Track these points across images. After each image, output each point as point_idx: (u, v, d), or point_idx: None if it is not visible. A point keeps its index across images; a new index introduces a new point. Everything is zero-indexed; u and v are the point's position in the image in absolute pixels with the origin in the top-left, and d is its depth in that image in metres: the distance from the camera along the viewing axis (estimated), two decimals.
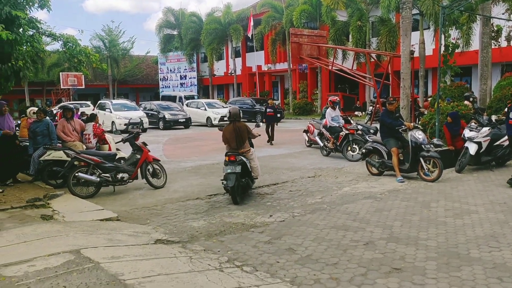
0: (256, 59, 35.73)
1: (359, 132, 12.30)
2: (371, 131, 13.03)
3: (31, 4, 9.05)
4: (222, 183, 7.52)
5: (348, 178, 9.21)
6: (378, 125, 9.97)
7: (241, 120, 7.94)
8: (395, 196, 7.43)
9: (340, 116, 12.74)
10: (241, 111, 8.07)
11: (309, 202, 7.23)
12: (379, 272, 4.28)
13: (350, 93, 32.09)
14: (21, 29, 8.49)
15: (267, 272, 4.35)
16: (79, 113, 13.76)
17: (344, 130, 11.86)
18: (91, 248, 4.77)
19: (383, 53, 23.39)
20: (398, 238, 5.25)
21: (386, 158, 9.07)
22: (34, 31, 9.26)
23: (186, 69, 43.82)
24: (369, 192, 7.83)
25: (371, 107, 22.10)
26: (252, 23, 33.48)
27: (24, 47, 8.83)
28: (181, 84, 44.18)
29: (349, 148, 11.74)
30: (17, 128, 12.32)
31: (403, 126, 8.82)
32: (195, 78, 43.55)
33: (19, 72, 8.42)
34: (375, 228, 5.64)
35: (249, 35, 34.01)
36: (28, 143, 9.22)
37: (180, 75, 44.32)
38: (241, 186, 7.41)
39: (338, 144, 11.96)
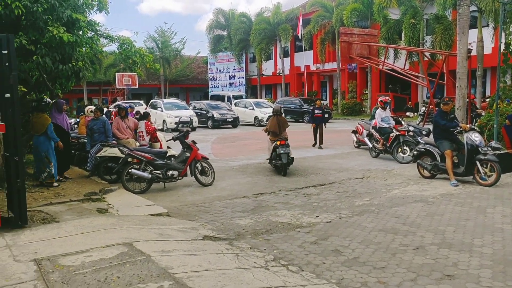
0: (305, 59, 35.51)
1: (411, 133, 11.93)
2: (424, 132, 12.59)
3: (90, 7, 9.51)
4: (269, 162, 10.38)
5: (398, 181, 8.96)
6: (431, 127, 9.63)
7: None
8: (448, 200, 7.14)
9: (391, 117, 12.40)
10: (282, 108, 9.23)
11: (356, 204, 7.11)
12: (430, 278, 4.14)
13: (402, 93, 31.15)
14: (81, 31, 8.94)
15: (313, 273, 4.33)
16: (134, 111, 14.27)
17: (394, 131, 11.54)
18: (143, 241, 4.96)
19: (438, 52, 22.51)
20: (451, 244, 5.05)
21: (439, 161, 8.73)
22: (93, 33, 9.73)
23: (235, 69, 44.32)
24: (420, 195, 7.58)
25: (424, 108, 21.33)
26: (301, 23, 33.33)
27: (84, 49, 9.28)
28: (230, 84, 44.75)
29: (399, 150, 11.41)
30: (75, 126, 13.06)
31: (458, 128, 8.46)
32: (243, 78, 43.95)
33: (79, 73, 8.86)
34: (426, 233, 5.46)
35: (298, 35, 33.87)
36: (86, 140, 9.72)
37: (229, 75, 44.89)
38: (288, 163, 9.91)
39: (388, 145, 11.67)
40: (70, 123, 10.87)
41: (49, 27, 7.57)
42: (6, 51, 5.40)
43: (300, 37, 34.27)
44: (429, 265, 4.44)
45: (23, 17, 7.47)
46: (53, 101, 9.17)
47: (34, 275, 3.93)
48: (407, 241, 5.17)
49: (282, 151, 9.78)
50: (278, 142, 9.88)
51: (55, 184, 8.32)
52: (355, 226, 5.85)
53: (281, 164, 9.86)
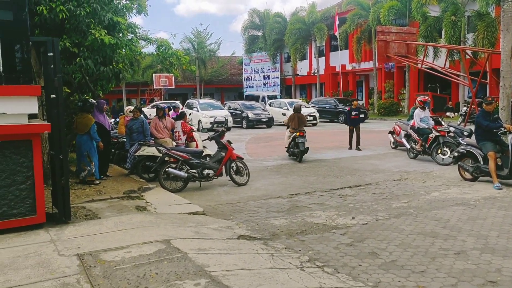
0: (340, 58, 35.10)
1: (451, 134, 11.55)
2: (465, 133, 12.17)
3: (130, 10, 9.80)
4: (287, 151, 12.48)
5: (438, 183, 8.71)
6: (472, 127, 9.29)
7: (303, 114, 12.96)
8: (491, 204, 6.88)
9: (430, 117, 12.05)
10: (302, 106, 11.89)
11: (394, 206, 6.96)
12: (472, 284, 4.00)
13: (441, 93, 30.23)
14: (121, 33, 9.22)
15: (349, 275, 4.28)
16: (179, 111, 14.66)
17: (434, 131, 11.22)
18: (180, 239, 5.05)
19: (480, 50, 21.69)
20: (494, 249, 4.87)
21: (482, 163, 8.41)
22: (132, 35, 10.01)
23: (269, 69, 44.38)
24: (461, 198, 7.33)
25: (465, 108, 20.62)
26: (337, 22, 32.96)
27: (124, 51, 9.56)
28: (264, 84, 44.84)
29: (439, 151, 11.07)
30: (115, 125, 13.45)
31: (502, 129, 8.13)
32: (278, 78, 43.94)
33: (119, 74, 9.13)
34: (467, 237, 5.28)
35: (335, 34, 33.51)
36: (125, 139, 10.00)
37: (264, 75, 44.99)
38: (304, 151, 11.93)
39: (427, 146, 11.35)
40: (110, 123, 11.21)
41: (91, 30, 7.84)
42: (51, 54, 5.64)
43: (336, 37, 33.89)
44: (470, 270, 4.30)
45: (66, 21, 7.76)
46: (97, 101, 9.50)
47: (77, 269, 4.08)
48: (448, 245, 5.02)
49: (300, 141, 11.84)
50: (298, 133, 11.93)
51: (96, 182, 8.60)
52: (393, 228, 5.74)
53: (298, 151, 11.91)
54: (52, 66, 5.65)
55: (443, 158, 10.94)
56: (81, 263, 4.21)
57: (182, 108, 26.32)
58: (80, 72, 8.93)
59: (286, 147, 12.54)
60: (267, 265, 4.40)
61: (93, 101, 9.14)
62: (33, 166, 5.34)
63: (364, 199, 7.51)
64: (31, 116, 5.91)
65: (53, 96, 5.68)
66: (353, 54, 33.81)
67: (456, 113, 25.98)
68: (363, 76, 37.41)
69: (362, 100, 35.37)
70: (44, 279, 3.85)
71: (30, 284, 3.77)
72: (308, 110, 26.34)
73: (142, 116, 10.17)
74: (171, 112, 15.26)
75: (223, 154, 9.01)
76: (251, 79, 46.34)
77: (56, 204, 5.82)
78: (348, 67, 36.15)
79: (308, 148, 12.04)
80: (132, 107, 11.21)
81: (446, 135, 11.16)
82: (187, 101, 29.52)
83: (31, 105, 5.35)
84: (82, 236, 5.10)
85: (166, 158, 8.65)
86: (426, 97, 13.22)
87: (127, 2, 9.86)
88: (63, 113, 5.88)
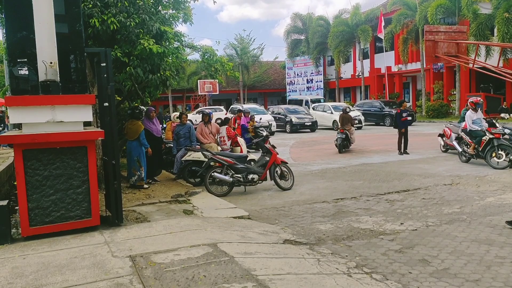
0: (386, 60, 34.30)
1: (506, 136, 10.99)
2: None
3: (176, 19, 10.08)
4: (335, 145, 14.88)
5: (493, 188, 8.31)
6: None
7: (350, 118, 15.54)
8: None
9: (483, 118, 11.53)
10: (349, 108, 15.15)
11: (445, 212, 6.72)
12: None
13: (495, 93, 28.81)
14: (168, 42, 9.51)
15: (399, 282, 4.18)
16: (246, 117, 16.65)
17: (487, 134, 10.72)
18: (226, 243, 5.13)
19: None
20: None
21: None
22: (179, 43, 10.29)
23: (312, 73, 44.12)
24: None
25: None
26: (382, 23, 32.27)
27: (170, 59, 9.84)
28: (308, 88, 44.60)
29: (493, 154, 10.56)
30: (163, 131, 13.85)
31: None
32: (321, 81, 43.59)
33: (166, 81, 9.41)
34: None
35: (380, 35, 32.83)
36: (172, 145, 10.28)
37: (307, 79, 44.78)
38: (344, 145, 14.75)
39: (480, 149, 10.86)
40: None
41: (140, 39, 8.13)
42: (104, 64, 5.92)
43: (381, 38, 33.19)
44: None
45: (117, 32, 8.10)
46: (146, 108, 9.85)
47: (130, 270, 4.24)
48: (504, 253, 4.78)
49: (338, 136, 14.89)
50: (339, 130, 15.08)
51: (146, 186, 8.90)
52: (444, 235, 5.54)
53: (336, 144, 14.78)
54: (105, 75, 5.93)
55: (498, 162, 10.43)
56: (133, 265, 4.37)
57: (226, 114, 26.77)
58: (130, 80, 9.29)
59: (334, 141, 15.17)
60: (314, 270, 4.38)
61: (143, 108, 9.46)
62: (88, 171, 5.62)
63: (413, 205, 7.30)
64: (86, 124, 6.22)
65: (106, 104, 5.95)
66: (399, 55, 32.94)
67: (511, 114, 24.68)
68: (410, 78, 36.35)
69: (409, 102, 34.37)
70: (99, 279, 4.03)
71: (87, 284, 3.96)
72: (352, 114, 25.89)
73: (188, 121, 10.43)
74: (243, 118, 15.94)
75: (268, 158, 9.05)
76: (294, 83, 46.24)
77: (109, 208, 6.07)
78: (394, 69, 35.24)
79: (348, 142, 14.90)
80: (178, 113, 11.51)
81: (501, 137, 10.63)
82: (231, 106, 29.88)
83: (86, 113, 5.64)
84: (133, 239, 5.30)
85: (212, 163, 8.81)
86: (478, 98, 12.64)
87: (174, 11, 10.16)
88: (115, 121, 6.15)
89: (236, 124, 14.95)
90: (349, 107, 19.85)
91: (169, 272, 4.19)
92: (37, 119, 5.34)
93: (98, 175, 6.53)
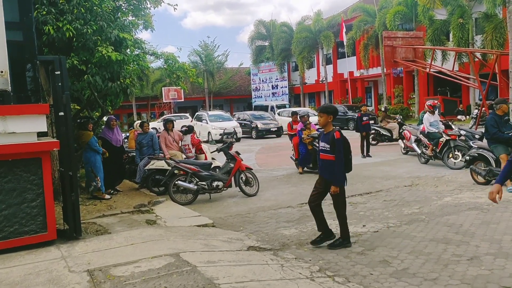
0: (348, 65, 35.08)
1: (462, 137, 11.42)
2: (476, 136, 12.02)
3: (136, 26, 9.94)
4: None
5: (450, 188, 8.60)
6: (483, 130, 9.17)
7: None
8: (504, 208, 6.75)
9: (440, 121, 11.95)
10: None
11: (405, 213, 6.88)
12: None
13: (452, 96, 29.99)
14: (128, 49, 9.34)
15: (360, 284, 4.22)
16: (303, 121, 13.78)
17: (444, 135, 11.11)
18: (189, 252, 5.04)
19: (489, 52, 21.56)
20: (508, 253, 4.77)
21: (494, 166, 8.30)
22: (140, 50, 10.14)
23: (277, 79, 44.52)
24: (474, 202, 7.22)
25: (476, 111, 20.42)
26: (344, 29, 33.01)
27: (131, 66, 9.68)
28: (273, 94, 44.96)
29: (450, 155, 10.95)
30: (125, 140, 13.56)
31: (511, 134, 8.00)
32: (286, 87, 44.04)
33: (127, 89, 9.23)
34: (480, 242, 5.18)
35: (342, 41, 33.54)
36: (135, 154, 10.08)
37: (272, 85, 45.14)
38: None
39: (437, 151, 11.24)
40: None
41: (98, 47, 7.95)
42: (58, 72, 5.73)
43: (343, 44, 33.92)
44: (484, 276, 4.21)
45: (74, 39, 7.90)
46: (106, 118, 9.66)
47: (87, 285, 4.09)
48: (460, 251, 4.93)
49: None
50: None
51: (107, 196, 8.68)
52: (404, 236, 5.66)
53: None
54: (59, 83, 5.74)
55: (454, 162, 10.82)
56: (91, 279, 4.23)
57: (191, 121, 26.56)
58: (89, 89, 9.06)
59: None
60: (277, 276, 4.37)
61: (89, 117, 9.36)
62: (43, 183, 5.40)
63: (374, 207, 7.44)
64: (41, 134, 6.00)
65: (61, 113, 5.76)
66: (360, 60, 33.79)
67: (467, 116, 25.71)
68: (371, 82, 37.31)
69: (371, 106, 35.22)
70: None
71: None
72: (316, 118, 26.27)
73: (152, 130, 10.25)
74: (299, 124, 12.01)
75: (232, 165, 9.02)
76: (260, 89, 46.51)
77: (67, 221, 5.87)
78: (356, 74, 36.09)
79: None
80: (139, 122, 11.32)
81: (457, 138, 11.04)
82: (197, 113, 29.70)
83: (40, 123, 5.43)
84: (92, 252, 5.13)
85: (176, 171, 8.69)
86: (435, 101, 13.11)
87: (133, 18, 10.01)
88: (71, 130, 5.96)
89: (292, 128, 12.60)
90: (311, 113, 19.96)
91: (129, 285, 4.07)
92: None
93: (55, 187, 6.30)
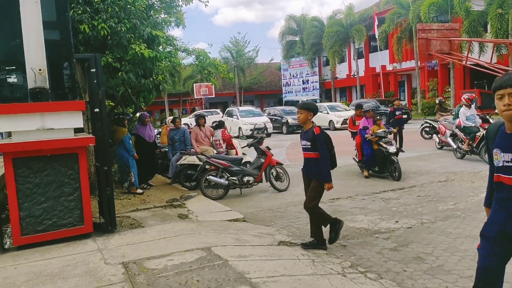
0: (380, 59, 34.36)
1: None
2: None
3: (168, 24, 10.09)
4: None
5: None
6: None
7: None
8: None
9: (477, 115, 11.54)
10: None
11: (440, 209, 6.71)
12: None
13: (489, 89, 28.88)
14: (160, 47, 9.50)
15: (393, 281, 4.15)
16: (368, 118, 11.25)
17: (481, 130, 10.73)
18: (221, 246, 5.10)
19: None
20: None
21: None
22: (171, 47, 10.29)
23: (308, 74, 44.17)
24: None
25: None
26: (376, 22, 32.38)
27: (163, 63, 9.84)
28: (303, 89, 44.66)
29: None
30: (158, 136, 13.82)
31: None
32: (317, 82, 43.64)
33: (159, 86, 9.40)
34: None
35: (374, 34, 32.91)
36: (167, 149, 10.26)
37: (302, 80, 44.84)
38: None
39: (474, 145, 10.87)
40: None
41: (132, 44, 8.12)
42: (94, 70, 5.89)
43: (375, 37, 33.27)
44: None
45: (109, 37, 8.09)
46: (140, 114, 9.87)
47: (122, 277, 4.21)
48: None
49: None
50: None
51: (140, 191, 8.87)
52: (439, 232, 5.52)
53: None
54: (95, 81, 5.90)
55: None
56: (126, 271, 4.34)
57: (222, 117, 26.77)
58: (123, 85, 9.28)
59: None
60: (308, 272, 4.35)
61: (129, 114, 9.52)
62: (80, 178, 5.58)
63: (408, 202, 7.29)
64: (78, 130, 6.19)
65: (96, 110, 5.92)
66: (393, 54, 33.01)
67: None
68: (405, 76, 36.43)
69: (404, 100, 34.44)
70: (91, 287, 4.00)
71: None
72: (349, 113, 25.96)
73: (183, 125, 10.41)
74: (363, 120, 10.27)
75: (263, 160, 9.03)
76: (290, 84, 46.30)
77: (103, 214, 6.04)
78: (389, 68, 35.33)
79: None
80: (171, 117, 11.51)
81: None
82: (227, 109, 29.88)
83: (77, 120, 5.60)
84: (127, 245, 5.26)
85: (207, 166, 8.78)
86: (472, 95, 12.66)
87: (166, 16, 10.16)
88: (106, 126, 6.12)
89: (354, 124, 11.11)
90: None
91: (162, 278, 4.15)
92: (27, 127, 5.31)
93: (91, 181, 6.49)
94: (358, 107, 11.48)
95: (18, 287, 4.08)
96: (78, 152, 5.57)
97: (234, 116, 25.31)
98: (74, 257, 4.86)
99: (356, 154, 10.53)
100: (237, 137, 20.99)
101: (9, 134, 6.54)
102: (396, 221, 6.16)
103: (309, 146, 5.21)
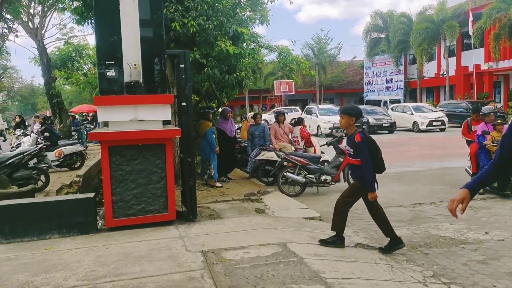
0: (474, 58, 31.95)
1: None
2: None
3: (253, 21, 10.27)
4: None
5: None
6: None
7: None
8: None
9: None
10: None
11: None
12: None
13: None
14: (245, 43, 9.70)
15: None
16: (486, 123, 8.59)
17: None
18: (296, 243, 5.11)
19: None
20: None
21: None
22: (255, 44, 10.47)
23: (392, 73, 42.43)
24: None
25: None
26: (471, 18, 30.16)
27: (247, 59, 10.05)
28: (387, 88, 42.99)
29: None
30: (238, 131, 14.17)
31: None
32: (401, 81, 41.76)
33: (242, 82, 9.63)
34: None
35: (468, 32, 30.70)
36: (247, 144, 10.48)
37: (386, 79, 43.18)
38: None
39: None
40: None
41: (218, 41, 8.40)
42: (183, 65, 6.19)
43: (468, 34, 31.02)
44: None
45: (197, 34, 8.44)
46: (222, 109, 10.20)
47: (201, 265, 4.39)
48: None
49: None
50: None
51: (219, 184, 9.17)
52: None
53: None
54: (183, 76, 6.19)
55: None
56: (205, 260, 4.52)
57: (301, 114, 26.69)
58: (207, 81, 9.63)
59: None
60: (386, 277, 4.21)
61: (213, 108, 9.87)
62: (166, 167, 5.91)
63: (500, 213, 6.73)
64: (166, 122, 6.55)
65: (183, 103, 6.21)
66: (489, 52, 30.52)
67: None
68: (501, 76, 33.51)
69: (500, 102, 31.72)
70: (173, 272, 4.23)
71: (162, 275, 4.17)
72: (435, 114, 24.60)
73: (263, 121, 10.57)
74: (481, 124, 8.34)
75: (341, 160, 8.86)
76: (373, 83, 44.83)
77: (185, 203, 6.34)
78: (484, 67, 32.71)
79: None
80: (252, 113, 11.73)
81: None
82: (307, 106, 29.73)
83: (165, 112, 5.94)
84: (206, 234, 5.48)
85: (285, 163, 8.82)
86: None
87: (251, 13, 10.35)
88: (192, 119, 6.40)
89: (470, 131, 9.09)
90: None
91: (239, 269, 4.27)
92: (122, 118, 5.74)
93: (175, 172, 6.84)
94: (475, 110, 9.34)
95: (108, 266, 4.44)
96: (165, 143, 5.89)
97: (313, 114, 25.12)
98: (159, 242, 5.17)
99: (470, 166, 8.81)
100: (316, 135, 20.87)
101: (104, 124, 7.11)
102: (486, 232, 5.73)
103: (351, 153, 5.10)
